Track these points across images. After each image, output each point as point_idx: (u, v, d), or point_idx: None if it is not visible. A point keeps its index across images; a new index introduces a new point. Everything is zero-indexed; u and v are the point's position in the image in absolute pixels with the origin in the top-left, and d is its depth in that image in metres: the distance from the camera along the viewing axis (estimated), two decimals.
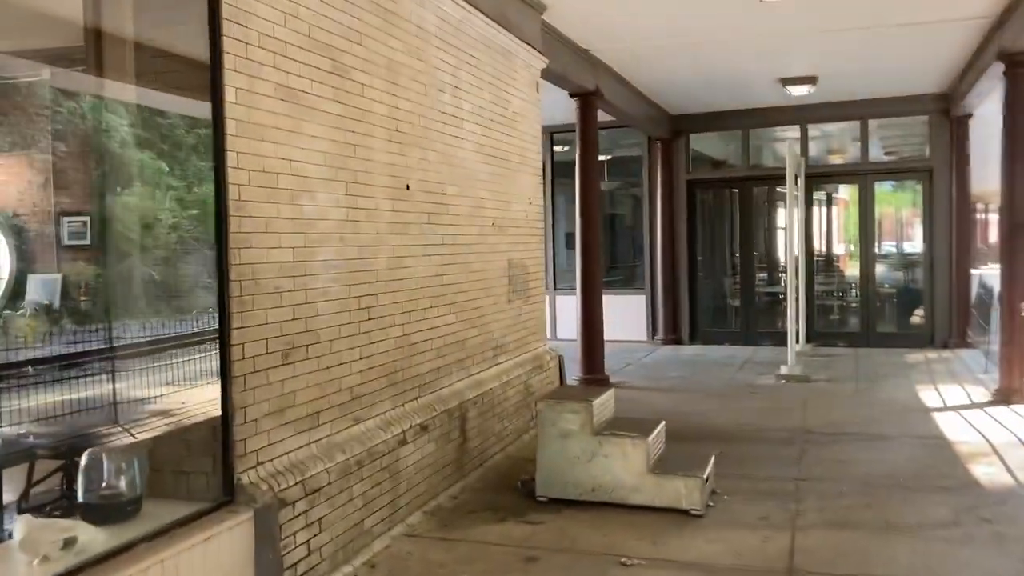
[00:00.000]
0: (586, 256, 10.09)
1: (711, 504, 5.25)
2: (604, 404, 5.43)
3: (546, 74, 8.29)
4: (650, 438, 5.20)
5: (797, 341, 12.38)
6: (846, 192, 14.83)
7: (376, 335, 4.75)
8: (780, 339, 11.56)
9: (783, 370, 10.36)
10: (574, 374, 10.17)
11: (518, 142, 7.16)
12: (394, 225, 4.98)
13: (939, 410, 8.22)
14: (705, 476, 5.15)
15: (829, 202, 15.52)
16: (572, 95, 10.02)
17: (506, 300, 6.83)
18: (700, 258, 14.70)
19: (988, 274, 14.95)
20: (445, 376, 5.63)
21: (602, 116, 12.75)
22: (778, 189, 13.87)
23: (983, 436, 7.01)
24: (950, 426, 7.42)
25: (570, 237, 17.84)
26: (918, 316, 13.46)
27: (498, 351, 6.61)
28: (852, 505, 5.29)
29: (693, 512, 5.04)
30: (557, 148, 16.09)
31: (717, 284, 14.93)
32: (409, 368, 5.14)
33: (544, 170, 15.34)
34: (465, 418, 5.72)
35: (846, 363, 11.59)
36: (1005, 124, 8.65)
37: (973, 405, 8.42)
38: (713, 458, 5.53)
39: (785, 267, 13.05)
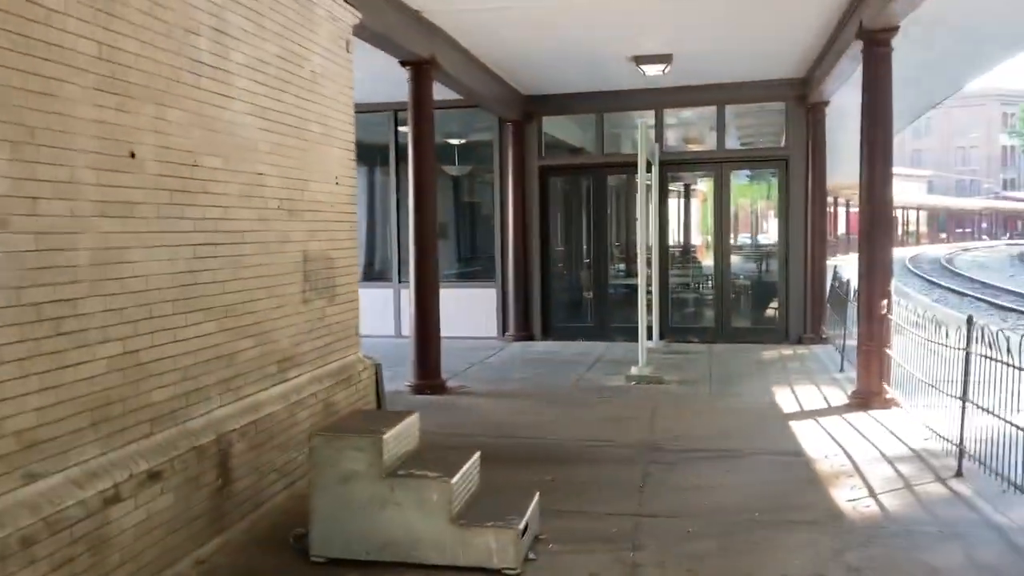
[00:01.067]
0: (420, 246, 8.98)
1: (531, 557, 4.24)
2: (402, 435, 4.32)
3: (364, 33, 7.10)
4: (456, 477, 4.12)
5: (650, 337, 11.69)
6: (704, 184, 14.33)
7: (72, 355, 3.47)
8: (635, 334, 10.78)
9: (633, 371, 9.57)
10: (406, 380, 9.07)
11: (319, 109, 5.94)
12: (107, 205, 3.69)
13: (796, 417, 7.56)
14: (523, 525, 4.12)
15: (687, 194, 14.99)
16: (403, 63, 8.86)
17: (300, 301, 5.61)
18: (554, 249, 13.85)
19: (842, 266, 14.82)
20: (198, 403, 4.38)
21: (448, 94, 11.72)
22: (636, 178, 13.15)
23: (843, 450, 6.33)
24: (808, 437, 6.73)
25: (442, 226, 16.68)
26: (772, 309, 13.04)
27: (287, 364, 5.39)
28: (701, 551, 4.38)
29: (507, 572, 4.01)
30: (404, 129, 14.93)
31: (571, 277, 14.12)
32: (135, 397, 3.87)
33: (389, 152, 14.21)
34: (228, 454, 4.49)
35: (700, 361, 10.95)
36: (864, 107, 8.07)
37: (831, 410, 7.82)
38: (536, 498, 4.50)
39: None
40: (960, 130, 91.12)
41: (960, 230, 79.40)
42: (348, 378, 6.20)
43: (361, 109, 12.96)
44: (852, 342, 9.63)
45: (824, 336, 11.95)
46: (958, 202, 78.51)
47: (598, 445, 6.52)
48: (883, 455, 6.19)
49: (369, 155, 14.71)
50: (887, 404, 7.75)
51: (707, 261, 13.92)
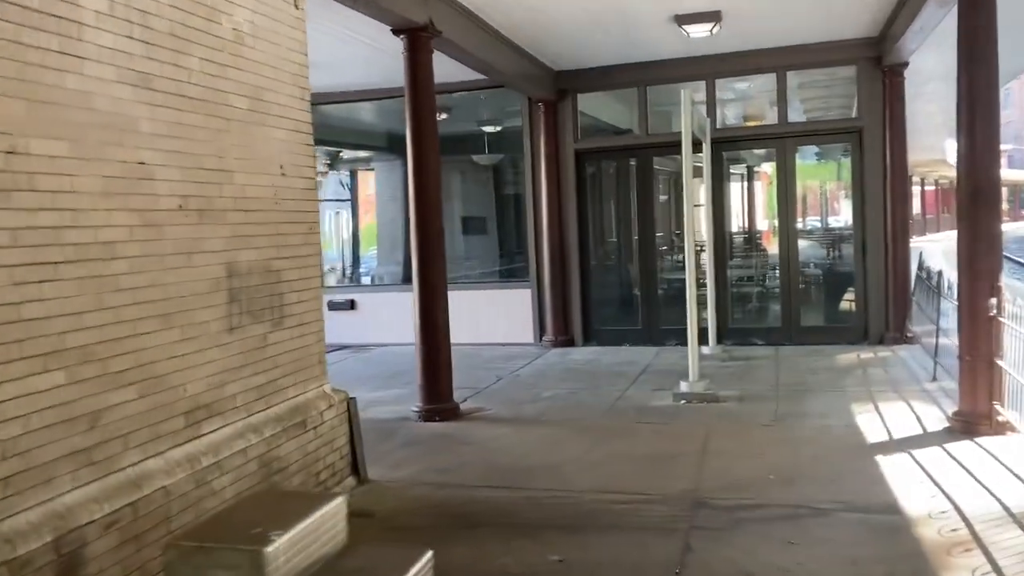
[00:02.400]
0: (423, 245, 7.65)
1: None
2: (310, 536, 2.94)
3: None
4: None
5: (705, 342, 10.15)
6: (768, 166, 12.70)
7: None
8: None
9: (683, 386, 8.06)
10: (415, 404, 7.74)
11: (249, 79, 4.61)
12: None
13: (884, 449, 5.97)
14: None
15: (750, 176, 13.36)
16: (396, 31, 7.51)
17: (224, 329, 4.30)
18: (595, 243, 12.37)
19: (926, 251, 13.01)
20: (29, 490, 3.09)
21: (471, 74, 10.38)
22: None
23: (952, 502, 4.76)
24: (903, 481, 5.17)
25: (467, 222, 15.48)
26: (848, 303, 11.33)
27: (200, 415, 4.08)
28: None
29: None
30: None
31: (616, 273, 12.62)
32: None
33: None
34: (77, 558, 3.19)
35: (764, 370, 9.37)
36: (961, 56, 6.41)
37: (928, 438, 6.22)
38: None
39: (697, 249, 10.79)
40: None
41: None
42: (302, 422, 4.86)
43: (380, 95, 11.74)
44: (945, 341, 8.00)
45: (910, 335, 10.25)
46: None
47: (629, 501, 5.06)
48: (1008, 510, 4.61)
49: (399, 146, 13.55)
50: (1000, 429, 6.12)
51: (773, 250, 12.29)
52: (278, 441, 4.59)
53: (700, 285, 10.79)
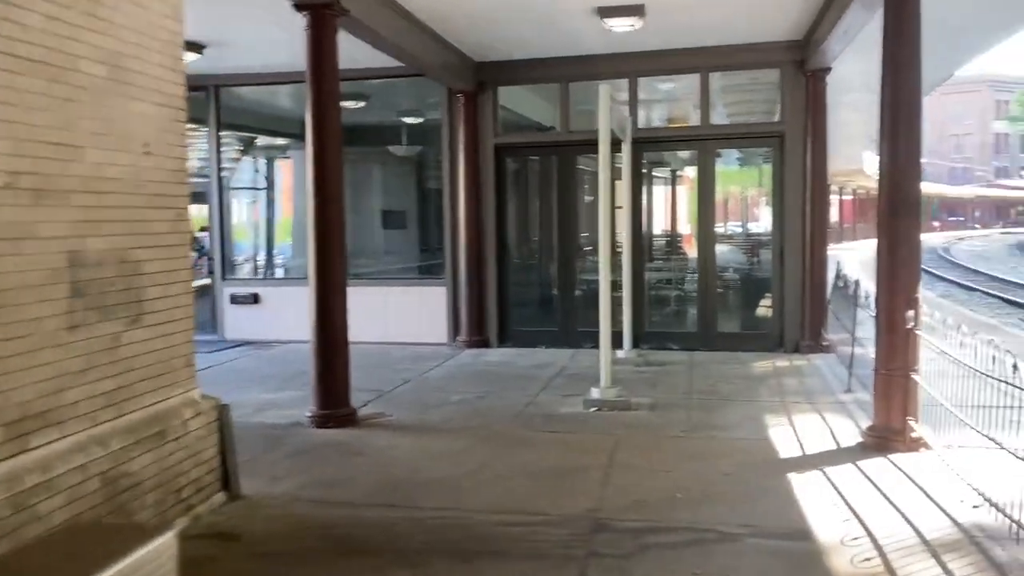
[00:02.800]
0: (323, 236, 7.13)
1: None
2: None
3: None
4: None
5: (621, 346, 9.88)
6: (691, 170, 12.53)
7: None
8: (611, 339, 8.90)
9: (595, 393, 7.73)
10: (309, 409, 7.21)
11: (106, 43, 4.05)
12: None
13: (797, 465, 5.72)
14: None
15: (673, 179, 13.15)
16: (297, 7, 6.98)
17: (65, 327, 3.74)
18: (514, 242, 12.00)
19: (844, 259, 13.04)
20: None
21: (389, 61, 9.87)
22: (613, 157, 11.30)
23: (866, 527, 4.50)
24: (815, 502, 4.90)
25: (388, 215, 14.91)
26: (765, 309, 11.20)
27: (28, 427, 3.52)
28: None
29: None
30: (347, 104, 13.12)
31: (534, 273, 12.27)
32: None
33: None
34: None
35: (678, 376, 9.12)
36: (886, 60, 6.21)
37: (842, 454, 6.00)
38: None
39: (617, 250, 10.50)
40: (954, 117, 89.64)
41: (953, 218, 77.96)
42: (161, 433, 4.32)
43: (295, 78, 11.17)
44: (860, 351, 7.85)
45: (825, 343, 10.14)
46: (952, 190, 76.97)
47: (526, 522, 4.66)
48: (922, 537, 4.36)
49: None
50: (913, 446, 5.94)
51: (693, 254, 12.12)
52: (129, 455, 4.05)
53: (618, 288, 10.56)
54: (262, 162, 16.69)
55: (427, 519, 4.70)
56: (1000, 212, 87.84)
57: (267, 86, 12.50)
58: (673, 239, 12.78)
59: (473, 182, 11.24)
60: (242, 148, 15.36)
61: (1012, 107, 55.81)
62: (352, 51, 9.71)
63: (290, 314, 12.04)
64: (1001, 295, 19.67)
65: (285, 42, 9.44)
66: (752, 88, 11.42)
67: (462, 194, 11.25)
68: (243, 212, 15.33)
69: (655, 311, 11.65)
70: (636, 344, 10.66)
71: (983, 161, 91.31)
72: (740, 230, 12.40)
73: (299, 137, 14.90)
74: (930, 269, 29.67)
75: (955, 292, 20.89)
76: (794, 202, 10.45)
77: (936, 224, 73.89)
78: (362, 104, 13.26)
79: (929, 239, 55.33)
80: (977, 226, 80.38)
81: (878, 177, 6.23)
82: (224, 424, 4.84)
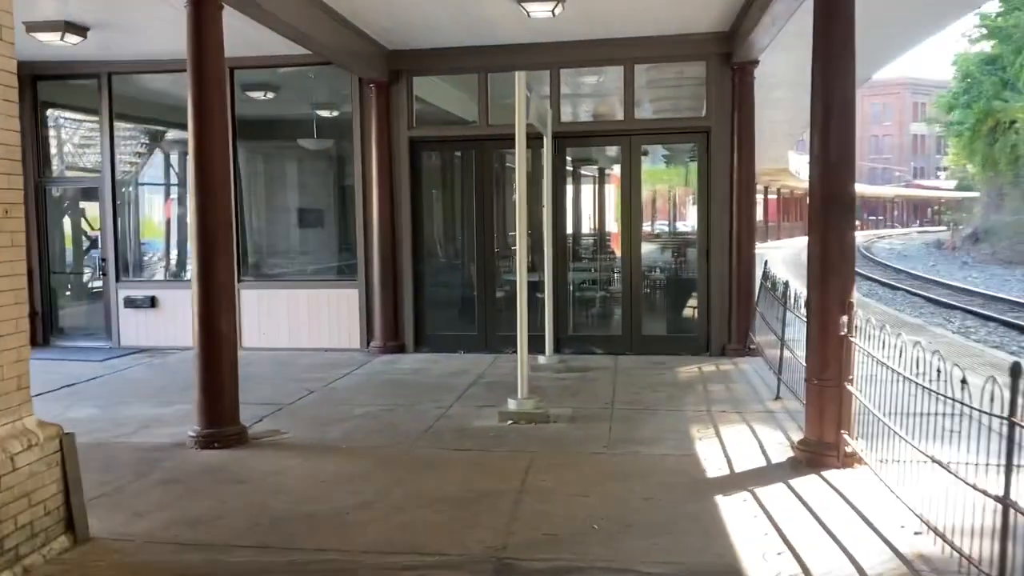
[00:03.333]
0: (206, 235, 6.44)
1: None
2: None
3: None
4: None
5: (542, 351, 9.37)
6: (618, 167, 12.10)
7: None
8: (532, 342, 8.42)
9: (511, 404, 7.17)
10: (192, 428, 6.48)
11: None
12: None
13: (724, 486, 5.24)
14: None
15: (601, 177, 12.69)
16: None
17: None
18: (430, 241, 11.39)
19: (771, 257, 12.73)
20: None
21: (297, 49, 9.18)
22: (538, 152, 10.78)
23: (799, 560, 4.04)
24: (744, 532, 4.42)
25: (304, 214, 14.11)
26: (691, 309, 10.81)
27: None
28: None
29: None
30: (255, 95, 12.37)
31: (452, 274, 11.66)
32: None
33: (234, 123, 11.45)
34: None
35: (601, 383, 8.63)
36: (817, 51, 5.78)
37: (772, 471, 5.56)
38: None
39: (540, 249, 9.99)
40: (873, 118, 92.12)
41: (872, 217, 79.99)
42: None
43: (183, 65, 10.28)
44: (788, 355, 7.48)
45: (752, 346, 9.80)
46: (872, 189, 78.91)
47: (420, 564, 4.06)
48: (862, 572, 3.91)
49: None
50: (848, 461, 5.54)
51: (619, 254, 11.70)
52: None
53: (540, 289, 10.05)
54: (175, 157, 15.77)
55: (306, 563, 4.06)
56: (917, 211, 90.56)
57: (170, 74, 11.60)
58: (599, 238, 12.32)
59: (386, 178, 10.60)
60: (148, 142, 14.45)
61: (929, 109, 57.39)
62: (255, 36, 9.01)
63: (191, 318, 11.25)
64: (923, 294, 19.80)
65: (177, 25, 8.69)
66: (678, 82, 11.03)
67: (375, 190, 10.60)
68: (154, 209, 14.40)
69: (579, 314, 11.16)
70: (558, 349, 10.17)
71: (901, 161, 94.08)
72: (667, 229, 12.00)
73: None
74: (863, 272, 30.10)
75: (879, 291, 21.00)
76: (721, 200, 10.08)
77: (856, 223, 75.67)
78: (271, 95, 12.50)
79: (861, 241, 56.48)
80: (896, 225, 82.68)
81: (809, 176, 5.80)
82: (66, 456, 4.12)
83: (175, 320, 11.28)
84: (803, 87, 6.10)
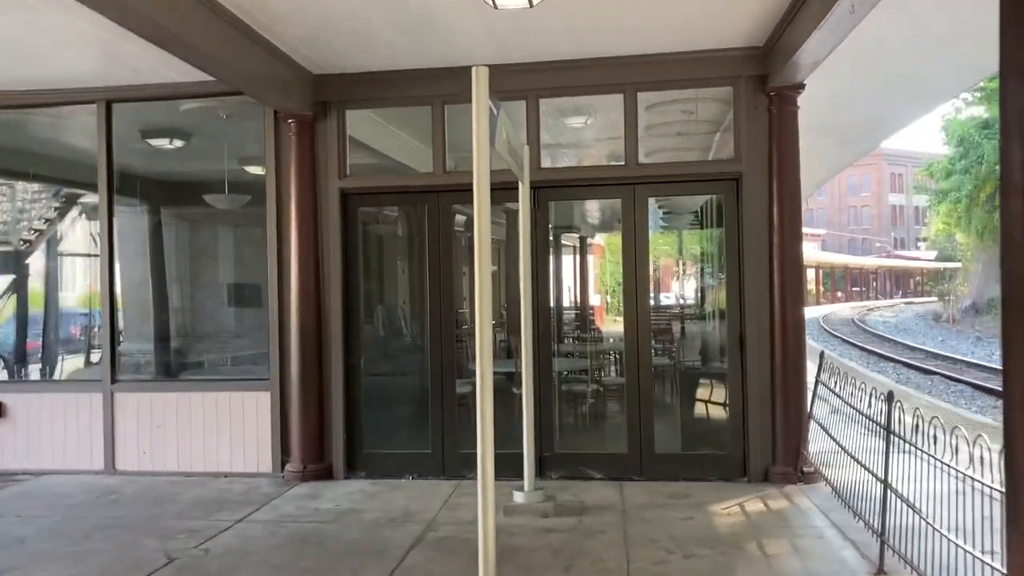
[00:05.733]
0: None
1: None
2: None
3: None
4: None
5: (519, 476, 6.62)
6: (601, 236, 9.72)
7: None
8: (504, 463, 5.77)
9: None
10: None
11: None
12: None
13: None
14: None
15: (582, 248, 10.14)
16: None
17: None
18: (369, 324, 8.66)
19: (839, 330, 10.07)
20: None
21: (197, 75, 6.67)
22: (506, 205, 8.19)
23: None
24: None
25: (239, 290, 11.47)
26: (722, 415, 8.12)
27: None
28: None
29: None
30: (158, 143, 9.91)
31: (399, 368, 8.89)
32: None
33: (110, 172, 8.76)
34: None
35: (608, 541, 5.82)
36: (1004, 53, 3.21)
37: None
38: None
39: (516, 330, 7.35)
40: (851, 189, 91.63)
41: (855, 288, 78.33)
42: None
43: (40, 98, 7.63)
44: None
45: (807, 469, 7.11)
46: (855, 260, 77.52)
47: None
48: None
49: (145, 186, 9.82)
50: None
51: (611, 334, 9.09)
52: None
53: (515, 384, 7.41)
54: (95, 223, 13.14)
55: None
56: (899, 282, 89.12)
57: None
58: (584, 315, 9.68)
59: (310, 242, 7.93)
60: (58, 205, 11.86)
61: (916, 177, 56.33)
62: (130, 54, 6.51)
63: (50, 432, 8.41)
64: (962, 379, 17.08)
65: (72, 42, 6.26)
66: (694, 116, 8.49)
67: (294, 258, 7.92)
68: (71, 282, 11.72)
69: (568, 418, 8.40)
70: (541, 471, 7.39)
71: (880, 232, 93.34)
72: (675, 302, 9.36)
73: (119, 190, 11.59)
74: (855, 341, 27.51)
75: (911, 376, 18.15)
76: (757, 269, 7.47)
77: (840, 295, 73.93)
78: (179, 144, 9.94)
79: (838, 309, 54.33)
80: (879, 296, 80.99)
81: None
82: None
83: (28, 434, 8.44)
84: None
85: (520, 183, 6.73)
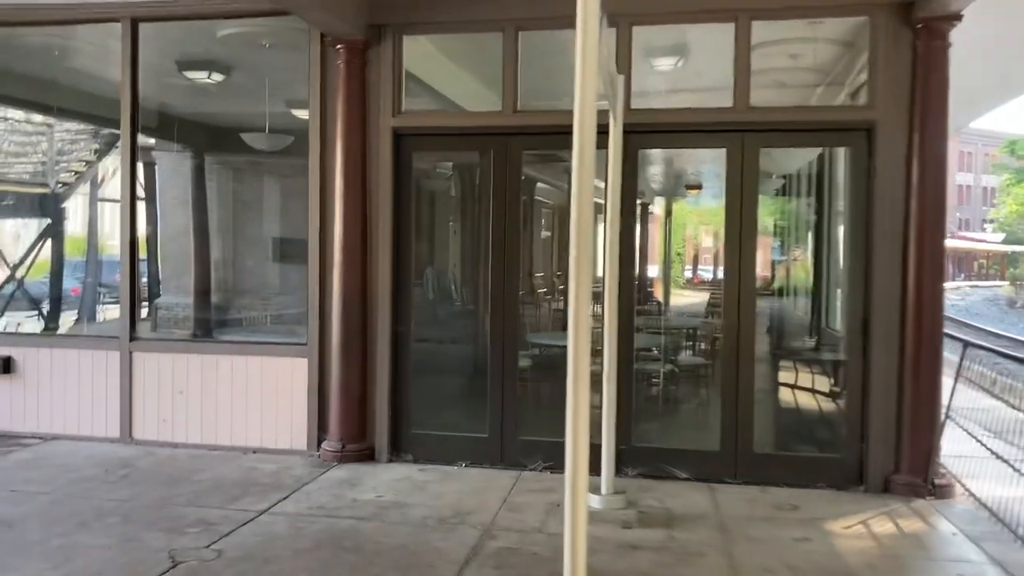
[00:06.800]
0: None
1: None
2: None
3: None
4: None
5: (596, 472, 5.49)
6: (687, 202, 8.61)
7: None
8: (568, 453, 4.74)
9: None
10: None
11: None
12: None
13: None
14: None
15: (644, 215, 8.96)
16: None
17: None
18: (421, 287, 7.57)
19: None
20: None
21: None
22: (565, 162, 6.96)
23: None
24: None
25: (285, 246, 10.58)
26: (836, 407, 6.93)
27: None
28: None
29: None
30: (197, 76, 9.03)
31: (453, 338, 7.81)
32: None
33: (135, 105, 7.60)
34: None
35: (707, 564, 4.69)
36: None
37: None
38: None
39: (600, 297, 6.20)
40: None
41: None
42: None
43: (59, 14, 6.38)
44: None
45: (941, 482, 5.90)
46: None
47: None
48: None
49: (187, 129, 8.95)
50: None
51: (676, 308, 7.96)
52: None
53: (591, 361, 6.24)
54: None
55: None
56: (961, 264, 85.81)
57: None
58: (643, 287, 8.55)
59: (357, 190, 6.83)
60: (98, 148, 11.15)
61: (995, 155, 53.61)
62: None
63: (62, 392, 7.52)
64: None
65: None
66: (816, 51, 7.14)
67: (338, 209, 6.83)
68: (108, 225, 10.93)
69: (645, 406, 7.24)
70: (619, 469, 6.25)
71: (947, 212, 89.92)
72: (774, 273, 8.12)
73: (157, 131, 10.70)
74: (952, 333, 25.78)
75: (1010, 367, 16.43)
76: (890, 239, 6.18)
77: None
78: (218, 78, 8.97)
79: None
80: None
81: None
82: None
83: (39, 393, 7.55)
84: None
85: (612, 120, 5.53)
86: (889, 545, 5.08)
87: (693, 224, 10.58)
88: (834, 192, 7.43)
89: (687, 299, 12.28)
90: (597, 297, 8.93)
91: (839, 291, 6.99)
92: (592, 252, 3.29)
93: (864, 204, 6.30)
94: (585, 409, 3.15)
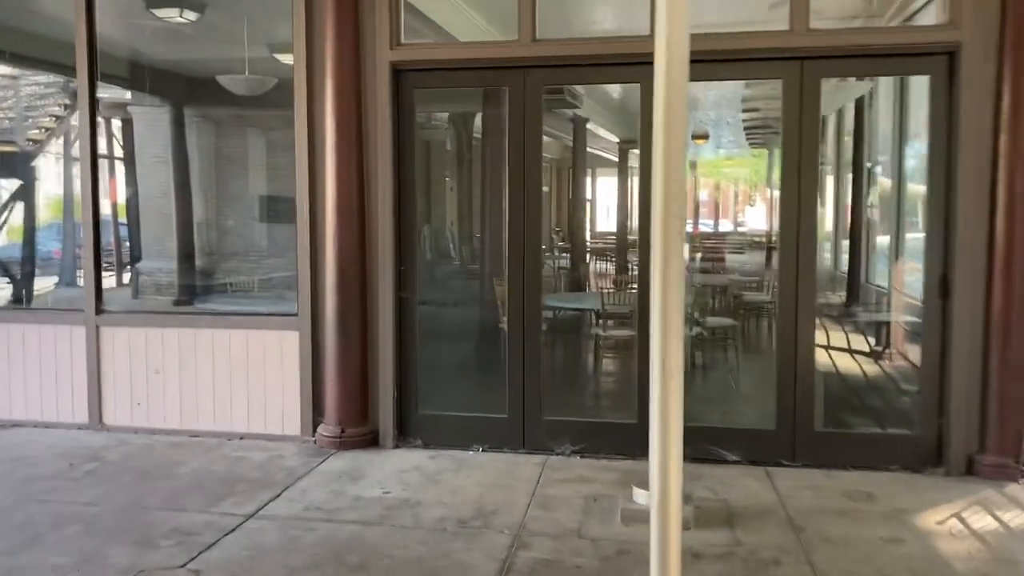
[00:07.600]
0: None
1: None
2: None
3: None
4: None
5: (635, 452, 4.60)
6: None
7: None
8: (606, 433, 3.82)
9: None
10: None
11: None
12: None
13: None
14: None
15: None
16: None
17: None
18: (425, 245, 6.67)
19: None
20: None
21: None
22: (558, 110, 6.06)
23: None
24: None
25: (272, 204, 9.79)
26: (909, 375, 6.08)
27: None
28: None
29: None
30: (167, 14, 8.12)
31: (463, 302, 6.92)
32: None
33: (92, 54, 6.42)
34: None
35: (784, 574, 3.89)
36: None
37: None
38: None
39: (623, 251, 5.28)
40: None
41: None
42: None
43: None
44: None
45: None
46: None
47: None
48: None
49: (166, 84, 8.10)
50: None
51: (755, 262, 7.08)
52: None
53: (624, 324, 5.59)
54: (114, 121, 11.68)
55: None
56: None
57: None
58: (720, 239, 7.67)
59: (351, 136, 5.88)
60: (68, 103, 10.40)
61: None
62: None
63: (21, 373, 6.65)
64: None
65: None
66: None
67: (330, 159, 5.89)
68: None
69: (689, 375, 6.39)
70: None
71: None
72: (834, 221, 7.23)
73: (134, 85, 9.79)
74: None
75: None
76: (975, 183, 5.29)
77: None
78: (191, 17, 8.02)
79: None
80: None
81: None
82: None
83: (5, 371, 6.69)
84: None
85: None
86: (998, 547, 4.27)
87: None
88: (905, 129, 6.52)
89: (704, 253, 11.47)
90: (602, 254, 8.07)
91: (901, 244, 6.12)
92: (684, 201, 2.40)
93: (944, 142, 5.39)
94: (678, 415, 2.29)
